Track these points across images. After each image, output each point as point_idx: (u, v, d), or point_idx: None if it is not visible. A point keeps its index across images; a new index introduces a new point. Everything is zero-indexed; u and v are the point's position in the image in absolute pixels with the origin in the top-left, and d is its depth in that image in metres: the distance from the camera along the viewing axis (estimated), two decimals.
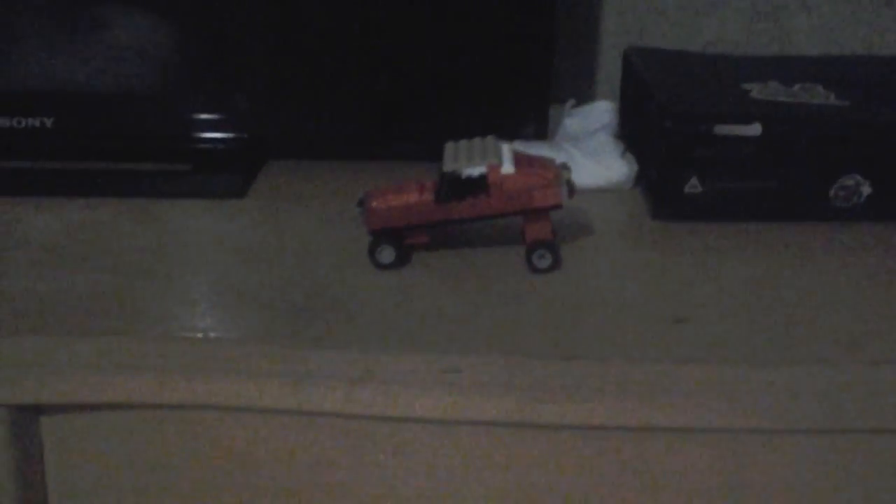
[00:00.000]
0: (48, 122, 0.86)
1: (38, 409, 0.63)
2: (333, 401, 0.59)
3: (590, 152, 0.82)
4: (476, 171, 0.68)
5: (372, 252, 0.68)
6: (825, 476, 0.61)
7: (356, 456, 0.62)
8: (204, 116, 0.87)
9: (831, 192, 0.75)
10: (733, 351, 0.59)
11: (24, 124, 0.85)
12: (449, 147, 0.70)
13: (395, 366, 0.59)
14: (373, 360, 0.59)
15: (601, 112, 0.90)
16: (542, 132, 0.87)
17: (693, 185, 0.75)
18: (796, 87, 0.81)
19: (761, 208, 0.76)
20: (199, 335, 0.60)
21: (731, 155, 0.74)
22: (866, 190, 0.75)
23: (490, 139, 0.70)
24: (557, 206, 0.68)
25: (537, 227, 0.68)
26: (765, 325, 0.62)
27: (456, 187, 0.68)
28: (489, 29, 0.84)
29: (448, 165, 0.67)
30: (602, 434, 0.61)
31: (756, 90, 0.80)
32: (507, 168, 0.67)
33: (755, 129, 0.73)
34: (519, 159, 0.68)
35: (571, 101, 0.92)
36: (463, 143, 0.70)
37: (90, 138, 0.87)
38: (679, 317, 0.63)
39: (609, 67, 1.01)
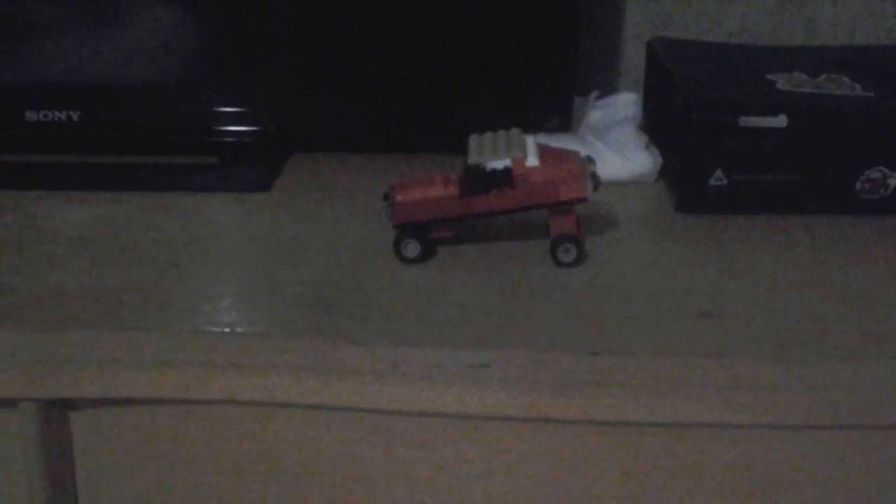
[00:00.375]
0: (75, 116, 0.86)
1: (66, 404, 0.64)
2: (359, 395, 0.59)
3: (614, 145, 0.82)
4: (501, 164, 0.68)
5: (397, 246, 0.69)
6: (852, 471, 0.61)
7: (382, 451, 0.63)
8: (229, 109, 0.87)
9: (857, 185, 0.75)
10: (759, 345, 0.59)
11: (51, 118, 0.86)
12: (473, 140, 0.70)
13: (421, 360, 0.59)
14: (399, 355, 0.59)
15: (625, 104, 0.90)
16: (565, 124, 0.86)
17: (718, 178, 0.74)
18: (822, 77, 0.80)
19: (786, 201, 0.75)
20: (226, 330, 0.61)
21: (756, 147, 0.74)
22: (893, 182, 0.74)
23: (514, 132, 0.70)
24: (582, 200, 0.68)
25: (562, 221, 0.68)
26: (790, 319, 0.62)
27: (481, 180, 0.68)
28: (513, 20, 0.84)
29: (473, 158, 0.67)
30: (628, 429, 0.61)
31: (781, 81, 0.79)
32: (532, 161, 0.67)
33: (781, 121, 0.73)
34: (543, 152, 0.68)
35: (595, 93, 0.92)
36: (487, 135, 0.70)
37: (117, 132, 0.87)
38: (705, 311, 0.63)
39: (633, 58, 1.00)
